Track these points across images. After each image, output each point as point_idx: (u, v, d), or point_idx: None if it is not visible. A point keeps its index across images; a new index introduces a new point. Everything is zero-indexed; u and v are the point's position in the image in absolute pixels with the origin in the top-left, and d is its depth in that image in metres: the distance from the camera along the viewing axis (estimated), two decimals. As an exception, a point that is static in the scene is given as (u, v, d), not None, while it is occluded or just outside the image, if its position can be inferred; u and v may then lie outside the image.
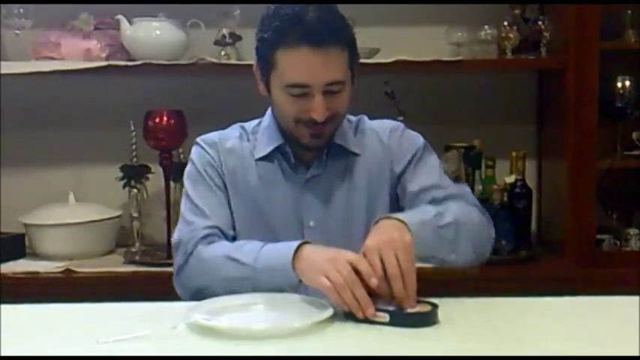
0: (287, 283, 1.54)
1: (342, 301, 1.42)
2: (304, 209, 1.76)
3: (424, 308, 1.44)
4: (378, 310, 1.42)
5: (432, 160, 1.82)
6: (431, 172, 1.79)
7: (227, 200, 1.76)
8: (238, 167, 1.78)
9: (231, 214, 1.76)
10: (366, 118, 1.88)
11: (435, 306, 1.45)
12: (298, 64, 1.62)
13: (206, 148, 1.80)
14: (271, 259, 1.56)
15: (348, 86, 1.68)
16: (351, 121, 1.84)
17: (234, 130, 1.85)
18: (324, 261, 1.47)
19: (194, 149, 1.83)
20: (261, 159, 1.78)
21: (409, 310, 1.43)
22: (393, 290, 1.44)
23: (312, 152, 1.76)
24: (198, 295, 1.62)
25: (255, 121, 1.85)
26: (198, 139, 1.84)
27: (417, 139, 1.83)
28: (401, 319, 1.41)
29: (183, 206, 1.78)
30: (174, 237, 1.75)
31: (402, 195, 1.78)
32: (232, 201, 1.77)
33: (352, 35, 1.68)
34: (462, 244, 1.64)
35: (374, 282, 1.43)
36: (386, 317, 1.41)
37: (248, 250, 1.60)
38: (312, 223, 1.75)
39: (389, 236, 1.48)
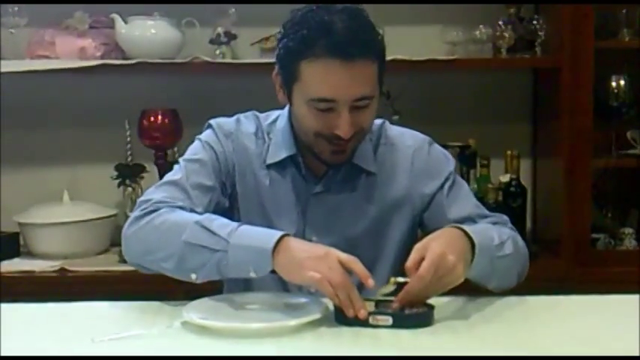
0: (257, 267, 1.45)
1: (334, 294, 1.39)
2: (308, 223, 1.69)
3: (421, 308, 1.44)
4: (376, 313, 1.41)
5: (465, 185, 1.77)
6: (468, 198, 1.74)
7: (221, 195, 1.68)
8: (250, 166, 1.70)
9: (238, 210, 1.70)
10: (388, 127, 1.78)
11: (430, 306, 1.45)
12: (326, 78, 1.51)
13: (220, 138, 1.71)
14: (249, 239, 1.46)
15: (375, 100, 1.58)
16: (372, 130, 1.72)
17: (250, 123, 1.74)
18: (312, 258, 1.42)
19: (208, 132, 1.73)
20: (272, 165, 1.70)
21: (408, 312, 1.42)
22: (408, 285, 1.41)
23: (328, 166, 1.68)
24: (145, 258, 1.56)
25: (272, 117, 1.75)
26: (213, 123, 1.74)
27: (446, 160, 1.76)
28: (402, 321, 1.40)
29: (169, 175, 1.67)
30: (142, 197, 1.63)
31: (435, 218, 1.69)
32: (240, 197, 1.70)
33: (383, 47, 1.57)
34: (510, 276, 1.62)
35: (370, 283, 1.41)
36: (389, 320, 1.39)
37: (221, 223, 1.50)
38: (314, 239, 1.66)
39: (458, 253, 1.43)
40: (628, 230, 2.68)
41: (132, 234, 1.58)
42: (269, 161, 1.70)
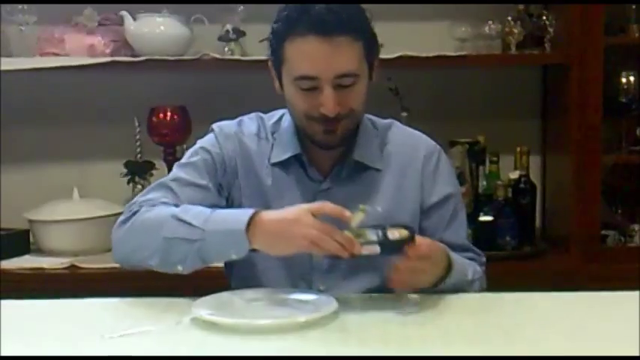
0: (236, 249, 1.48)
1: (325, 250, 1.42)
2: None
3: (402, 233, 1.46)
4: (363, 244, 1.44)
5: (463, 214, 1.79)
6: (462, 227, 1.77)
7: (217, 196, 1.67)
8: (252, 166, 1.70)
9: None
10: (397, 126, 1.79)
11: (411, 230, 1.48)
12: (306, 55, 1.54)
13: (220, 140, 1.71)
14: (223, 223, 1.48)
15: (363, 80, 1.59)
16: (378, 127, 1.76)
17: (252, 123, 1.75)
18: (288, 226, 1.44)
19: (208, 136, 1.74)
20: (276, 164, 1.70)
21: (392, 238, 1.45)
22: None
23: (329, 153, 1.67)
24: (132, 257, 1.59)
25: (275, 116, 1.76)
26: (215, 127, 1.74)
27: (453, 180, 1.80)
28: (389, 247, 1.44)
29: (164, 179, 1.70)
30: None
31: (431, 227, 1.72)
32: (244, 198, 1.69)
33: (368, 25, 1.60)
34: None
35: (347, 214, 1.45)
36: (377, 249, 1.44)
37: (196, 212, 1.52)
38: None
39: (436, 259, 1.52)
40: (638, 227, 2.67)
41: (117, 237, 1.63)
42: (273, 160, 1.70)
